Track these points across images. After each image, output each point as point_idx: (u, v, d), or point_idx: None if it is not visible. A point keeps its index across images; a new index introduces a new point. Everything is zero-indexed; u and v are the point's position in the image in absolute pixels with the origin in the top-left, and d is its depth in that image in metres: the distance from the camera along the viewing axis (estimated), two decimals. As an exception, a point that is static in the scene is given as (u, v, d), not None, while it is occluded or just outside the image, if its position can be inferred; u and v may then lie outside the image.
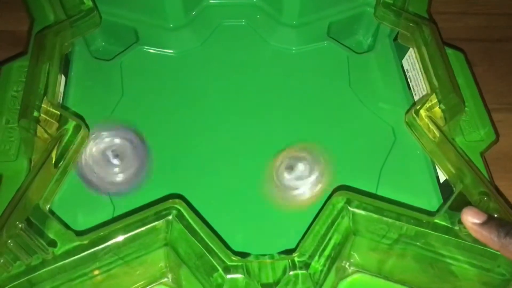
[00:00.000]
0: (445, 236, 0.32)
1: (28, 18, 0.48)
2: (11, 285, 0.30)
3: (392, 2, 0.45)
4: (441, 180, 0.39)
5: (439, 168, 0.38)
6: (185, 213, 0.32)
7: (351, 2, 0.48)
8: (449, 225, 0.33)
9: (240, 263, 0.30)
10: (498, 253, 0.32)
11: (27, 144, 0.38)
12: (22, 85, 0.40)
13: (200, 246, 0.31)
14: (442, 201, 0.38)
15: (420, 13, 0.46)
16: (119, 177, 0.38)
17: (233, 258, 0.31)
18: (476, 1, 0.57)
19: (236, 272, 0.30)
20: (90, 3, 0.44)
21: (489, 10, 0.56)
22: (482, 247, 0.32)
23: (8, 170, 0.37)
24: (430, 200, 0.39)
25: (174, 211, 0.32)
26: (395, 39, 0.47)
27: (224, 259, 0.30)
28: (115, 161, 0.38)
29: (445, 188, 0.38)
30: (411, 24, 0.43)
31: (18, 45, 0.49)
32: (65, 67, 0.44)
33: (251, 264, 0.31)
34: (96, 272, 0.31)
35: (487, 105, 0.42)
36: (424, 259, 0.33)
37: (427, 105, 0.39)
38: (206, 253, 0.31)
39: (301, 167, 0.39)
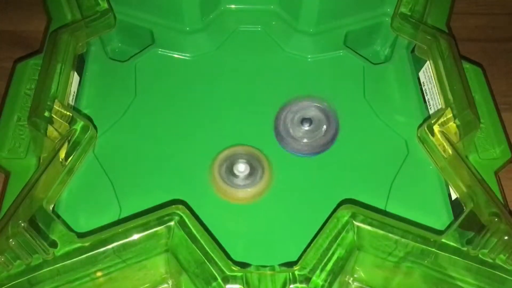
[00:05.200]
0: (453, 256, 0.32)
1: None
2: (10, 284, 0.30)
3: (410, 13, 0.44)
4: (453, 198, 0.38)
5: (450, 185, 0.37)
6: (187, 220, 0.32)
7: (370, 11, 0.48)
8: (458, 245, 0.32)
9: (239, 274, 0.30)
10: (507, 277, 0.31)
11: (36, 143, 0.38)
12: (35, 84, 0.40)
13: (200, 254, 0.31)
14: (453, 219, 0.38)
15: (439, 26, 0.45)
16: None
17: (233, 268, 0.30)
18: (476, 1, 0.56)
19: (235, 283, 0.30)
20: (106, 5, 0.44)
21: (489, 10, 0.55)
22: (490, 270, 0.31)
23: (16, 167, 0.37)
24: (441, 218, 0.38)
25: (176, 217, 0.32)
26: (413, 51, 0.46)
27: (224, 269, 0.30)
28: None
29: (456, 206, 0.38)
30: (428, 37, 0.42)
31: (18, 45, 0.50)
32: (79, 67, 0.44)
33: (250, 275, 0.30)
34: (96, 275, 0.31)
35: (503, 122, 0.41)
36: (431, 279, 0.32)
37: (441, 120, 0.38)
38: (206, 261, 0.30)
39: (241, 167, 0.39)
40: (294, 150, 0.41)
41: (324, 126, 0.41)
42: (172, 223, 0.32)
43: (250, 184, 0.39)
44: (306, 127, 0.42)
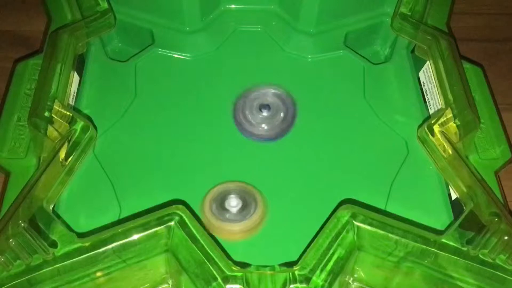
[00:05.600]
0: (453, 256, 0.32)
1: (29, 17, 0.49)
2: (10, 284, 0.30)
3: (410, 14, 0.44)
4: (453, 198, 0.38)
5: (450, 185, 0.37)
6: (187, 220, 0.32)
7: (370, 11, 0.48)
8: (457, 245, 0.32)
9: (239, 274, 0.30)
10: (507, 277, 0.31)
11: (36, 143, 0.38)
12: (35, 84, 0.40)
13: (200, 254, 0.31)
14: (453, 219, 0.37)
15: (439, 26, 0.45)
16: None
17: (233, 268, 0.30)
18: (476, 1, 0.56)
19: (235, 283, 0.30)
20: (106, 5, 0.44)
21: (489, 10, 0.56)
22: (490, 270, 0.31)
23: (16, 167, 0.37)
24: (441, 218, 0.38)
25: (177, 217, 0.32)
26: (413, 51, 0.46)
27: (224, 269, 0.30)
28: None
29: (456, 206, 0.38)
30: (428, 37, 0.42)
31: (18, 45, 0.50)
32: (80, 67, 0.44)
33: (251, 275, 0.30)
34: (96, 275, 0.31)
35: (503, 123, 0.41)
36: (431, 279, 0.32)
37: (441, 120, 0.38)
38: (206, 261, 0.30)
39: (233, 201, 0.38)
40: (252, 135, 0.42)
41: (282, 113, 0.42)
42: (172, 223, 0.32)
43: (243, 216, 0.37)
44: (264, 113, 0.42)
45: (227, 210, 0.37)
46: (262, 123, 0.42)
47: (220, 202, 0.38)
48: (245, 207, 0.38)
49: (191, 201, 0.37)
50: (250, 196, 0.38)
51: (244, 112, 0.42)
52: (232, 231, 0.37)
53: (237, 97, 0.44)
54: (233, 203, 0.38)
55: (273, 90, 0.44)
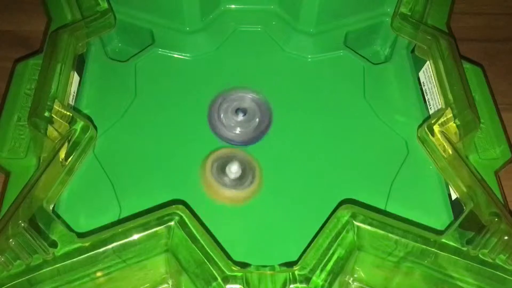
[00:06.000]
0: (453, 256, 0.32)
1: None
2: (10, 284, 0.30)
3: (410, 13, 0.44)
4: (453, 198, 0.38)
5: (450, 185, 0.37)
6: (187, 220, 0.32)
7: (370, 11, 0.47)
8: (458, 245, 0.32)
9: (239, 274, 0.30)
10: (507, 277, 0.31)
11: (36, 143, 0.38)
12: (35, 84, 0.40)
13: (200, 254, 0.31)
14: (453, 219, 0.37)
15: (439, 26, 0.45)
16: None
17: (233, 268, 0.30)
18: (476, 1, 0.56)
19: (235, 283, 0.30)
20: (106, 5, 0.44)
21: (489, 10, 0.56)
22: (490, 270, 0.31)
23: (16, 167, 0.37)
24: (441, 218, 0.38)
25: (176, 217, 0.32)
26: (413, 51, 0.46)
27: (224, 269, 0.30)
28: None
29: (456, 206, 0.38)
30: (428, 37, 0.42)
31: (18, 45, 0.50)
32: (80, 67, 0.44)
33: (251, 275, 0.30)
34: (96, 275, 0.31)
35: (503, 123, 0.41)
36: (431, 279, 0.32)
37: (441, 120, 0.38)
38: (206, 261, 0.30)
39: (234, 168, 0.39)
40: (226, 138, 0.42)
41: (257, 118, 0.42)
42: (172, 223, 0.32)
43: (241, 185, 0.39)
44: (240, 117, 0.42)
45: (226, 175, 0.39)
46: (237, 127, 0.43)
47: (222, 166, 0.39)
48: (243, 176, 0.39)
49: (191, 201, 0.37)
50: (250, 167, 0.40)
51: (219, 115, 0.43)
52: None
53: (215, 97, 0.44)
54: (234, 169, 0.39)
55: (250, 95, 0.44)
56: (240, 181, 0.39)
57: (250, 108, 0.43)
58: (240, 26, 0.49)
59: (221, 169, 0.39)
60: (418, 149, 0.40)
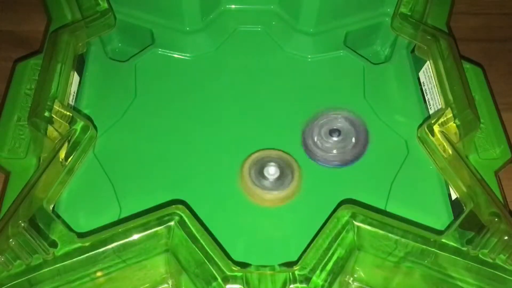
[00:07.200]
0: (453, 256, 0.32)
1: (27, 18, 0.49)
2: (10, 284, 0.30)
3: (410, 14, 0.44)
4: (453, 198, 0.38)
5: (450, 185, 0.37)
6: (187, 220, 0.32)
7: (370, 12, 0.48)
8: (457, 245, 0.32)
9: (239, 274, 0.30)
10: (507, 277, 0.31)
11: (36, 143, 0.38)
12: (35, 84, 0.40)
13: (200, 254, 0.31)
14: (453, 219, 0.37)
15: (439, 26, 0.45)
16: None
17: (233, 268, 0.30)
18: (476, 1, 0.56)
19: (235, 283, 0.30)
20: (106, 5, 0.44)
21: (489, 10, 0.56)
22: (490, 270, 0.31)
23: (16, 167, 0.38)
24: (441, 218, 0.38)
25: (177, 217, 0.32)
26: (413, 51, 0.46)
27: (224, 269, 0.30)
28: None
29: (456, 206, 0.38)
30: (428, 37, 0.42)
31: (18, 45, 0.50)
32: (80, 67, 0.44)
33: (251, 275, 0.30)
34: (96, 275, 0.31)
35: (503, 123, 0.41)
36: (431, 279, 0.32)
37: (441, 120, 0.38)
38: (206, 261, 0.30)
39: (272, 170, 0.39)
40: (324, 161, 0.41)
41: (353, 138, 0.41)
42: (172, 223, 0.32)
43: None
44: (335, 138, 0.41)
45: (265, 177, 0.39)
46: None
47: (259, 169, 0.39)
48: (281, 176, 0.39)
49: (191, 201, 0.37)
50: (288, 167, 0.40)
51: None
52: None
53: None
54: (272, 172, 0.39)
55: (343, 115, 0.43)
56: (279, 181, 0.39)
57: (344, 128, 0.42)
58: (240, 26, 0.49)
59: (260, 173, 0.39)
60: (418, 149, 0.40)
